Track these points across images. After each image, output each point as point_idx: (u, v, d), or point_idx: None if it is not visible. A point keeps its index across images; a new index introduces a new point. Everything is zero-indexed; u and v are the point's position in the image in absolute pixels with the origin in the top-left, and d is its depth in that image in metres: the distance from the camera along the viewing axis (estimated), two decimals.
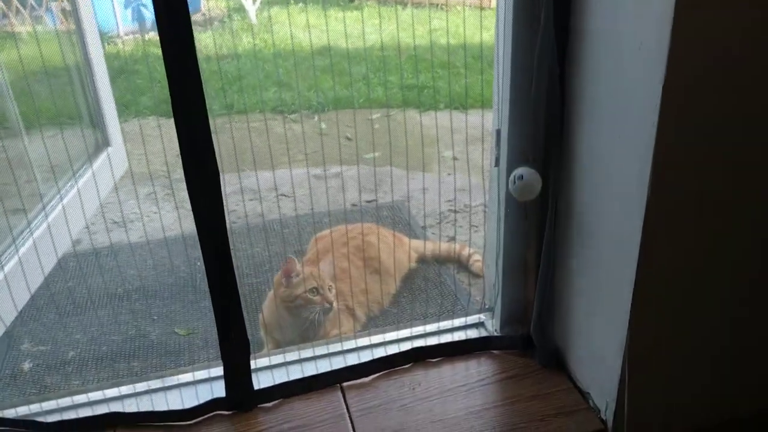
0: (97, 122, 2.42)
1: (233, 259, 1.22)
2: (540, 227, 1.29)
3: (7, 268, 1.78)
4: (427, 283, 2.08)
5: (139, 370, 1.73)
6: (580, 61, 1.14)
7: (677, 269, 1.11)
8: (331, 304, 1.75)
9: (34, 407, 1.34)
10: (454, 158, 3.12)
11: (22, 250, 1.86)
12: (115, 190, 2.54)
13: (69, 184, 2.18)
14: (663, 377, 1.22)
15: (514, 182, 1.23)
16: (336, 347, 1.46)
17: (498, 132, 1.32)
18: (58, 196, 2.09)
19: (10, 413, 1.32)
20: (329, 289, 1.77)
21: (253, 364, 1.35)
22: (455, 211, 2.52)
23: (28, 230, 1.93)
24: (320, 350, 1.46)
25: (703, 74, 0.96)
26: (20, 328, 1.91)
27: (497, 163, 1.35)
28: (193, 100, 1.08)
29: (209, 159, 1.13)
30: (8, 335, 1.87)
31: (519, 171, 1.22)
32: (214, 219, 1.17)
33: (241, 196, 2.69)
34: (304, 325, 1.76)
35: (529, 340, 1.41)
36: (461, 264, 2.17)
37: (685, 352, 1.20)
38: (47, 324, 1.93)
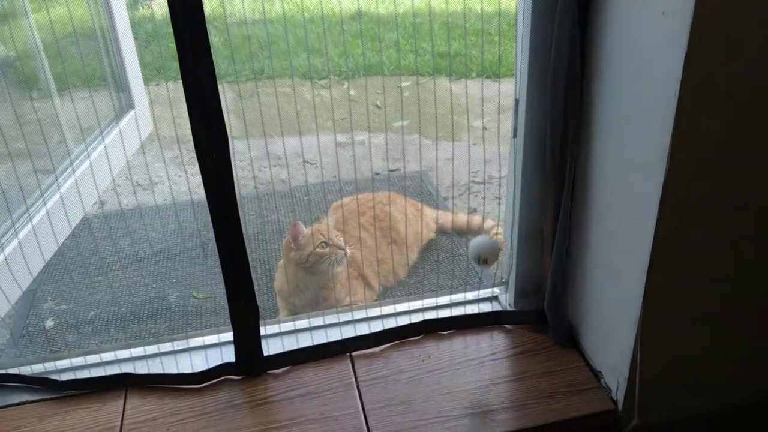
0: (121, 85, 2.42)
1: (244, 226, 1.21)
2: (557, 199, 1.25)
3: (34, 221, 1.80)
4: (446, 255, 2.06)
5: (155, 332, 1.76)
6: (602, 27, 1.09)
7: (694, 247, 1.07)
8: (343, 249, 1.76)
9: (49, 365, 1.37)
10: (484, 128, 3.06)
11: (49, 204, 1.89)
12: (139, 152, 2.55)
13: (93, 145, 2.20)
14: (676, 359, 1.18)
15: (477, 262, 1.25)
16: (346, 316, 1.46)
17: (517, 102, 1.28)
18: (84, 154, 2.12)
19: (25, 370, 1.35)
20: (337, 237, 1.78)
21: (263, 331, 1.36)
22: (482, 183, 2.48)
23: (56, 185, 1.96)
24: (330, 319, 1.45)
25: (727, 43, 0.90)
26: (44, 287, 1.94)
27: (515, 133, 1.31)
28: (202, 64, 1.06)
29: (219, 124, 1.12)
30: (32, 293, 1.91)
31: (481, 253, 1.23)
32: (223, 185, 1.17)
33: (267, 161, 2.69)
34: (320, 282, 1.77)
35: (543, 316, 1.39)
36: None
37: (698, 334, 1.16)
38: (70, 283, 1.97)
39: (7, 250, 1.69)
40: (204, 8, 1.05)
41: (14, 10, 2.12)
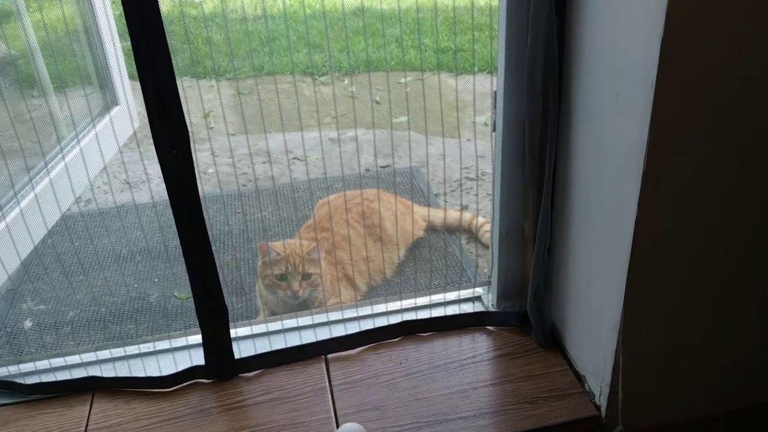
0: (105, 82, 2.39)
1: (227, 224, 1.16)
2: (537, 195, 1.19)
3: (8, 219, 1.77)
4: (436, 253, 2.01)
5: (134, 333, 1.71)
6: (580, 13, 1.03)
7: (675, 246, 1.01)
8: (295, 294, 1.66)
9: (13, 368, 1.33)
10: (485, 124, 3.01)
11: (23, 203, 1.85)
12: (123, 150, 2.52)
13: (72, 143, 2.16)
14: (660, 364, 1.13)
15: None
16: (322, 318, 1.41)
17: (495, 94, 1.23)
18: (60, 154, 2.08)
19: None
20: (303, 278, 1.68)
21: (234, 333, 1.31)
22: (475, 179, 2.42)
23: (29, 185, 1.92)
24: (305, 321, 1.41)
25: (704, 33, 0.85)
26: (24, 287, 1.91)
27: (494, 127, 1.26)
28: (158, 58, 1.02)
29: (179, 120, 1.07)
30: (12, 293, 1.88)
31: None
32: (186, 183, 1.12)
33: (267, 157, 2.65)
34: (291, 300, 1.70)
35: (527, 317, 1.33)
36: (473, 234, 2.08)
37: (682, 338, 1.11)
38: (51, 283, 1.93)
39: None
40: (159, 2, 1.00)
41: (10, 9, 2.09)
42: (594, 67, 1.02)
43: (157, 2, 0.99)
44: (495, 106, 1.23)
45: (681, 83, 0.87)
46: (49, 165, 2.03)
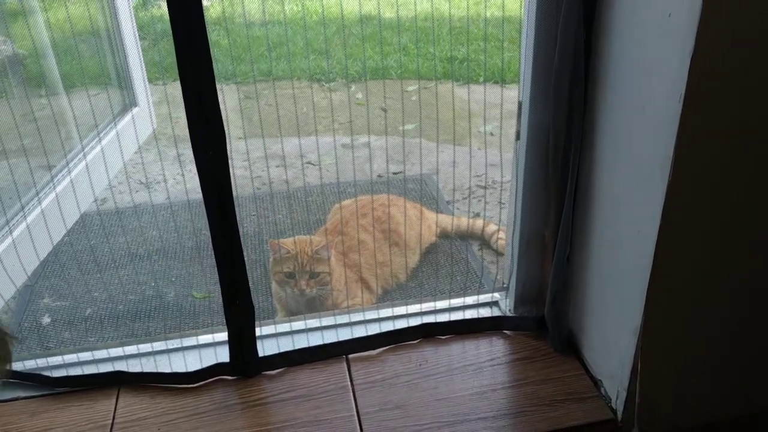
0: (124, 83, 2.42)
1: (242, 227, 1.20)
2: (559, 204, 1.23)
3: (29, 219, 1.79)
4: (448, 259, 2.04)
5: (152, 331, 1.74)
6: (607, 29, 1.07)
7: (696, 257, 1.04)
8: (302, 292, 1.70)
9: (41, 362, 1.35)
10: (491, 134, 3.05)
11: (45, 203, 1.88)
12: (140, 151, 2.55)
13: (93, 142, 2.19)
14: (677, 370, 1.16)
15: None
16: (343, 319, 1.44)
17: (520, 104, 1.26)
18: (82, 154, 2.11)
19: (18, 366, 1.34)
20: (310, 276, 1.71)
21: (258, 331, 1.34)
22: (486, 187, 2.46)
23: (50, 185, 1.95)
24: (327, 321, 1.44)
25: (734, 47, 0.88)
26: (42, 283, 1.93)
27: (518, 136, 1.29)
28: (201, 63, 1.05)
29: (217, 124, 1.10)
30: (30, 289, 1.90)
31: None
32: (221, 185, 1.15)
33: (270, 162, 2.68)
34: (302, 300, 1.73)
35: (544, 322, 1.36)
36: (485, 241, 2.11)
37: (699, 344, 1.14)
38: (68, 280, 1.96)
39: (1, 247, 1.68)
40: (203, 8, 1.03)
41: (23, 8, 2.12)
42: (621, 80, 1.05)
43: (200, 4, 1.02)
44: (519, 116, 1.26)
45: (709, 98, 0.91)
46: (70, 164, 2.05)
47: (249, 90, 3.50)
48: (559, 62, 1.12)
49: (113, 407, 1.27)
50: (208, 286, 1.91)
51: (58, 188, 1.94)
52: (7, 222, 1.76)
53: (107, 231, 2.21)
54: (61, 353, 1.37)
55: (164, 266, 2.02)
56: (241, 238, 1.21)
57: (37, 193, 1.89)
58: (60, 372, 1.33)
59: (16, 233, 1.74)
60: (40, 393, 1.30)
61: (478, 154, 2.75)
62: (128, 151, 2.43)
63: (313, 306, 1.73)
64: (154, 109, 2.54)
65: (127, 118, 2.40)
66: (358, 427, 1.21)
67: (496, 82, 3.62)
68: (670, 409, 1.20)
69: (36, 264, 1.86)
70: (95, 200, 2.32)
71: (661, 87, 0.95)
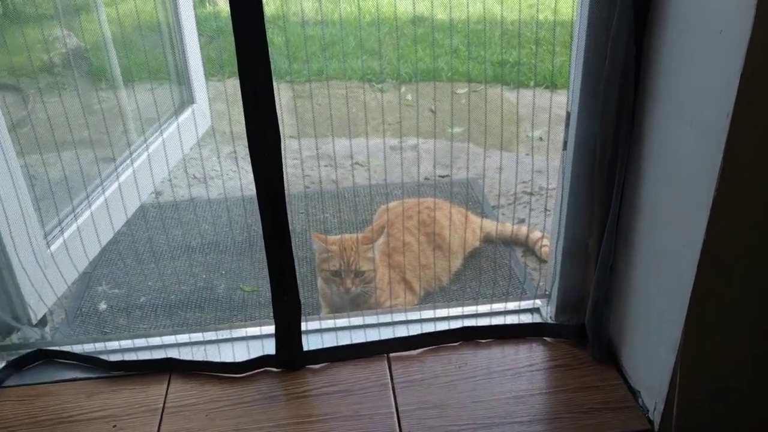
0: (183, 80, 2.50)
1: (294, 222, 1.24)
2: (604, 214, 1.24)
3: (93, 207, 1.89)
4: (491, 264, 2.06)
5: (202, 321, 1.81)
6: (658, 43, 1.08)
7: (738, 272, 1.05)
8: (347, 290, 1.74)
9: (99, 345, 1.43)
10: (540, 138, 3.05)
11: (108, 193, 1.97)
12: (197, 146, 2.64)
13: (151, 138, 2.28)
14: (715, 384, 1.16)
15: None
16: (386, 318, 1.47)
17: (568, 115, 1.28)
18: (144, 146, 2.20)
19: (77, 349, 1.42)
20: (356, 275, 1.75)
21: (304, 326, 1.38)
22: (531, 193, 2.47)
23: (114, 174, 2.04)
24: (370, 319, 1.48)
25: None
26: (99, 271, 2.03)
27: (565, 146, 1.31)
28: (259, 63, 1.10)
29: (272, 123, 1.15)
30: (88, 276, 2.00)
31: None
32: (274, 183, 1.20)
33: (318, 161, 2.74)
34: (346, 297, 1.78)
35: (584, 331, 1.38)
36: (529, 248, 2.12)
37: (740, 359, 1.14)
38: (124, 269, 2.04)
39: (67, 233, 1.77)
40: (264, 8, 1.08)
41: (87, 3, 2.21)
42: (670, 94, 1.06)
43: (261, 5, 1.06)
44: (567, 125, 1.28)
45: (757, 116, 0.91)
46: (132, 156, 2.15)
47: (300, 89, 3.57)
48: (609, 74, 1.13)
49: (164, 392, 1.33)
50: (256, 281, 1.97)
51: (121, 178, 2.04)
52: (73, 210, 1.85)
53: (165, 223, 2.30)
54: (118, 338, 1.44)
55: (216, 259, 2.09)
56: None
57: (102, 182, 1.99)
58: (116, 356, 1.40)
59: (80, 220, 1.83)
60: (96, 375, 1.37)
61: (525, 160, 2.76)
62: (186, 146, 2.51)
63: (357, 304, 1.78)
64: (211, 106, 2.63)
65: (186, 113, 2.48)
66: (396, 424, 1.24)
67: (546, 87, 3.61)
68: (708, 423, 1.20)
69: (97, 251, 1.95)
70: (153, 192, 2.42)
71: (709, 103, 0.96)
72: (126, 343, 1.43)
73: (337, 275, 1.75)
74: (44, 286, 1.59)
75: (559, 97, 3.25)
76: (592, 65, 1.18)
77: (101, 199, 1.93)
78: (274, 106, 1.14)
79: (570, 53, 1.24)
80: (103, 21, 2.27)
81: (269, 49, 1.11)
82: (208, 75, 3.15)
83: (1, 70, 1.84)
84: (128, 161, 2.11)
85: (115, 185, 2.01)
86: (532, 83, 3.70)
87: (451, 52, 4.15)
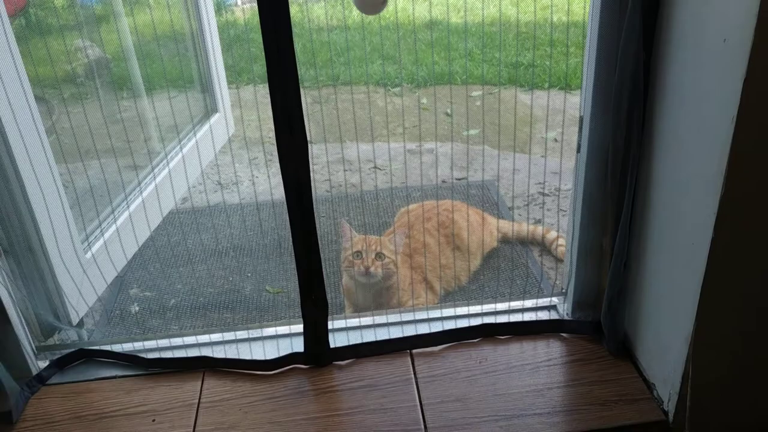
0: (207, 88, 2.58)
1: (318, 226, 1.31)
2: (617, 214, 1.30)
3: (119, 221, 1.97)
4: (509, 264, 2.11)
5: (230, 321, 1.88)
6: (666, 50, 1.13)
7: (746, 268, 1.10)
8: (366, 270, 1.77)
9: (137, 344, 1.50)
10: (555, 140, 3.09)
11: (133, 205, 2.05)
12: (222, 152, 2.71)
13: (178, 146, 2.36)
14: (727, 376, 1.21)
15: None
16: (408, 316, 1.54)
17: (581, 119, 1.33)
18: (166, 159, 2.28)
19: (117, 348, 1.49)
20: (377, 256, 1.79)
21: (330, 325, 1.45)
22: (546, 194, 2.52)
23: (138, 188, 2.12)
24: (393, 317, 1.54)
25: None
26: (130, 274, 2.10)
27: (579, 149, 1.36)
28: (288, 72, 1.16)
29: (300, 127, 1.21)
30: (120, 279, 2.08)
31: None
32: (302, 187, 1.27)
33: (341, 165, 2.80)
34: (372, 290, 1.83)
35: (599, 327, 1.43)
36: (545, 247, 2.18)
37: (749, 353, 1.19)
38: (153, 273, 2.12)
39: (106, 235, 1.85)
40: (291, 19, 1.13)
41: (108, 12, 2.29)
42: (677, 99, 1.12)
43: (289, 21, 1.12)
44: (580, 129, 1.33)
45: (760, 119, 0.96)
46: (162, 164, 2.23)
47: (317, 94, 3.64)
48: (619, 80, 1.19)
49: (199, 388, 1.40)
50: (281, 282, 2.04)
51: (157, 180, 2.12)
52: (113, 211, 1.93)
53: (197, 227, 2.37)
54: (155, 338, 1.52)
55: (242, 262, 2.16)
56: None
57: (139, 184, 2.07)
58: (153, 354, 1.47)
59: (118, 223, 1.91)
60: (135, 372, 1.45)
61: (540, 162, 2.81)
62: (210, 153, 2.59)
63: (380, 302, 1.84)
64: (232, 113, 2.70)
65: (211, 120, 2.56)
66: (420, 417, 1.30)
67: (561, 89, 3.66)
68: (721, 413, 1.25)
69: (134, 252, 2.04)
70: (184, 198, 2.49)
71: (715, 108, 1.01)
72: (163, 342, 1.50)
73: (359, 257, 1.80)
74: (84, 288, 1.67)
75: (574, 98, 3.30)
76: (603, 72, 1.23)
77: (138, 201, 2.02)
78: (302, 115, 1.21)
79: (582, 59, 1.29)
80: (125, 30, 2.35)
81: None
82: (228, 82, 3.23)
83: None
84: (163, 164, 2.19)
85: (148, 191, 2.09)
86: (546, 85, 3.75)
87: (466, 55, 4.20)
